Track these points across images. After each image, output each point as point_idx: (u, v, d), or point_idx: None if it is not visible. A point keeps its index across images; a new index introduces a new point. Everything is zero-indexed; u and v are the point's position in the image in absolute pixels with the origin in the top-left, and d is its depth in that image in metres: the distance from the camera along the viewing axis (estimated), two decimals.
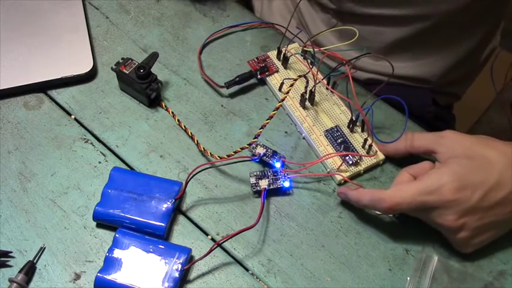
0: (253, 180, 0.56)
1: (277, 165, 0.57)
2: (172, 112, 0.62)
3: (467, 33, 0.71)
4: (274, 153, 0.58)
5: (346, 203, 0.56)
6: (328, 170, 0.58)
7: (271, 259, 0.53)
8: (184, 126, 0.61)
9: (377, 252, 0.54)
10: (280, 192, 0.57)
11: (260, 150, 0.58)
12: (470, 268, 0.53)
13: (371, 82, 0.75)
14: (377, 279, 0.53)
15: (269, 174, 0.57)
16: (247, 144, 0.57)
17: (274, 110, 0.56)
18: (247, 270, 0.53)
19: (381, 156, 0.58)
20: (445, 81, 0.76)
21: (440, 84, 0.76)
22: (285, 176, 0.56)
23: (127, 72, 0.61)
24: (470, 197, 0.49)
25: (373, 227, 0.55)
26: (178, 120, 0.62)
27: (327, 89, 0.63)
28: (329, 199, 0.57)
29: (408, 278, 0.52)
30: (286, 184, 0.56)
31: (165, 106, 0.63)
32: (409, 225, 0.55)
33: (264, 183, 0.56)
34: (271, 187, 0.56)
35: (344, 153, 0.58)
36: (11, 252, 0.53)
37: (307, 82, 0.59)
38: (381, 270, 0.53)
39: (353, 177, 0.58)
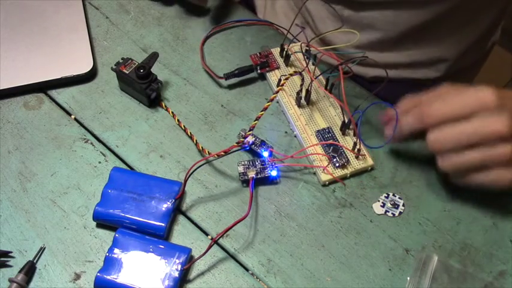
0: (241, 169, 0.56)
1: (265, 154, 0.57)
2: (172, 112, 0.62)
3: (480, 14, 0.70)
4: (263, 142, 0.58)
5: (346, 203, 0.56)
6: (314, 170, 0.58)
7: (271, 259, 0.53)
8: (184, 126, 0.61)
9: (377, 252, 0.54)
10: (268, 181, 0.57)
11: (249, 139, 0.58)
12: (470, 268, 0.53)
13: (376, 80, 0.75)
14: (377, 279, 0.53)
15: (257, 163, 0.57)
16: (242, 138, 0.57)
17: (268, 102, 0.56)
18: (247, 270, 0.53)
19: (370, 161, 0.58)
20: (453, 69, 0.75)
21: (448, 73, 0.76)
22: (272, 165, 0.57)
23: (127, 72, 0.61)
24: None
25: (373, 227, 0.55)
26: (178, 120, 0.62)
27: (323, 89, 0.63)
28: (329, 199, 0.57)
29: (408, 278, 0.52)
30: (274, 173, 0.57)
31: (165, 106, 0.63)
32: (409, 225, 0.55)
33: (251, 173, 0.56)
34: (259, 176, 0.56)
35: (324, 142, 0.58)
36: (11, 252, 0.53)
37: (303, 80, 0.59)
38: (381, 270, 0.53)
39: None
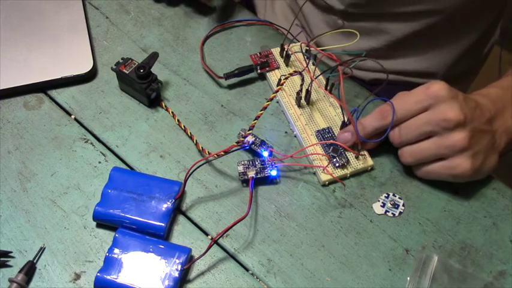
0: (240, 169, 0.56)
1: (265, 154, 0.57)
2: (172, 112, 0.62)
3: (474, 23, 0.71)
4: (263, 142, 0.58)
5: (346, 203, 0.56)
6: (314, 170, 0.58)
7: (271, 259, 0.53)
8: (184, 126, 0.61)
9: (377, 252, 0.54)
10: (268, 181, 0.57)
11: (249, 139, 0.58)
12: (470, 268, 0.53)
13: (376, 83, 0.75)
14: (377, 279, 0.53)
15: (257, 163, 0.57)
16: (242, 137, 0.57)
17: (268, 101, 0.56)
18: (247, 270, 0.53)
19: (370, 162, 0.58)
20: (451, 74, 0.76)
21: (444, 79, 0.76)
22: (272, 165, 0.57)
23: (127, 72, 0.61)
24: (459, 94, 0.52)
25: (373, 227, 0.55)
26: (178, 120, 0.62)
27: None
28: (329, 199, 0.57)
29: (408, 278, 0.52)
30: (274, 173, 0.57)
31: (165, 106, 0.63)
32: (409, 225, 0.55)
33: (251, 172, 0.56)
34: (259, 176, 0.56)
35: (324, 142, 0.58)
36: (11, 252, 0.53)
37: (303, 80, 0.60)
38: (381, 270, 0.53)
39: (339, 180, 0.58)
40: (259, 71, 0.65)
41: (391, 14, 0.67)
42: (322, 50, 0.62)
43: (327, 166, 0.57)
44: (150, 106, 0.63)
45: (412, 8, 0.66)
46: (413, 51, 0.72)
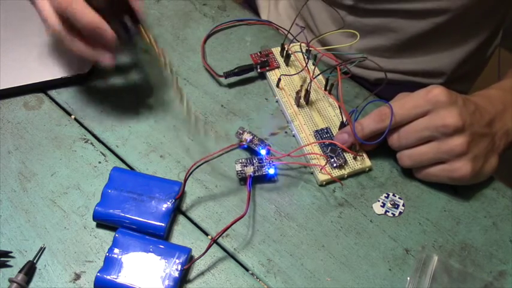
0: (238, 167, 0.56)
1: (263, 152, 0.57)
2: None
3: (483, 24, 0.71)
4: (261, 140, 0.58)
5: (346, 204, 0.56)
6: (311, 170, 0.58)
7: (271, 259, 0.53)
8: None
9: (377, 252, 0.54)
10: (266, 179, 0.57)
11: (247, 137, 0.58)
12: (470, 268, 0.53)
13: (380, 83, 0.75)
14: (377, 279, 0.53)
15: (254, 161, 0.57)
16: (240, 135, 0.57)
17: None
18: (247, 270, 0.53)
19: (367, 163, 0.58)
20: (454, 76, 0.76)
21: (450, 79, 0.76)
22: (269, 163, 0.57)
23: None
24: (458, 98, 0.52)
25: (373, 227, 0.55)
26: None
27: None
28: (329, 199, 0.57)
29: (408, 278, 0.52)
30: (271, 171, 0.57)
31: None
32: (409, 225, 0.55)
33: (249, 171, 0.56)
34: (256, 174, 0.56)
35: (321, 141, 0.59)
36: (11, 252, 0.53)
37: (303, 80, 0.59)
38: (380, 270, 0.53)
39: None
40: (259, 70, 0.65)
41: (399, 11, 0.67)
42: (324, 49, 0.62)
43: (324, 166, 0.57)
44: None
45: (421, 6, 0.65)
46: (421, 50, 0.72)
